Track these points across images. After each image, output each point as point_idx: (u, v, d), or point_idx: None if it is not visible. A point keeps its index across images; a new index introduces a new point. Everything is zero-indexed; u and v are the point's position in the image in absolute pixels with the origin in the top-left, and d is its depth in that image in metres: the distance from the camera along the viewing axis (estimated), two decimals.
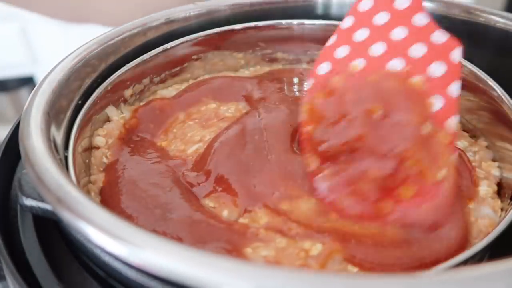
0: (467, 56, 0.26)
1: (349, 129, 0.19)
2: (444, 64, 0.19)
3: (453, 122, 0.19)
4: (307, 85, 0.21)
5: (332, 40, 0.22)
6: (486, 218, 0.19)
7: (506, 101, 0.23)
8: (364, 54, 0.20)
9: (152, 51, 0.27)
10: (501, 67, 0.26)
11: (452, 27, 0.29)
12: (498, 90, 0.24)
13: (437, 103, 0.19)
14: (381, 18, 0.20)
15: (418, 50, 0.19)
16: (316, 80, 0.21)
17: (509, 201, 0.21)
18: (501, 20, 0.27)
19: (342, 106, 0.19)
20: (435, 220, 0.18)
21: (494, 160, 0.23)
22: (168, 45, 0.27)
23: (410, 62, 0.19)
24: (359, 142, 0.18)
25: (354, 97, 0.19)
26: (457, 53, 0.19)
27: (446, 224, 0.18)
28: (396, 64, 0.20)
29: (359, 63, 0.20)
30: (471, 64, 0.25)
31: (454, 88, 0.19)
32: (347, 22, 0.21)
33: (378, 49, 0.20)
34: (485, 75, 0.25)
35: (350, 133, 0.18)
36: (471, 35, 0.28)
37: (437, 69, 0.19)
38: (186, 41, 0.28)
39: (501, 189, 0.22)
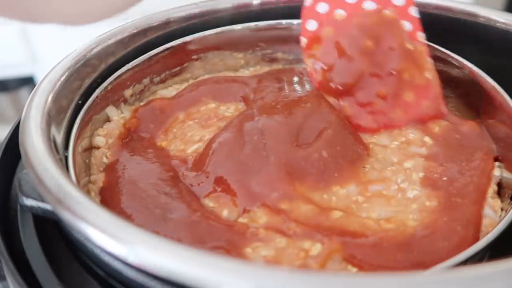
0: (467, 56, 0.26)
1: (352, 66, 0.23)
2: None
3: (421, 35, 0.25)
4: (302, 43, 0.25)
5: (308, 1, 0.26)
6: (486, 218, 0.19)
7: (508, 100, 0.23)
8: (342, 4, 0.25)
9: (152, 51, 0.27)
10: (501, 67, 0.26)
11: (452, 27, 0.29)
12: (499, 89, 0.24)
13: (406, 25, 0.25)
14: None
15: None
16: (309, 37, 0.25)
17: (509, 201, 0.21)
18: (501, 20, 0.27)
19: (339, 49, 0.24)
20: (435, 110, 0.24)
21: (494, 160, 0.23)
22: (168, 45, 0.27)
23: (378, 0, 0.25)
24: (363, 74, 0.23)
25: (347, 39, 0.24)
26: None
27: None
28: (369, 5, 0.25)
29: (340, 12, 0.25)
30: (471, 64, 0.25)
31: (414, 11, 0.25)
32: None
33: None
34: (485, 74, 0.25)
35: (354, 70, 0.23)
36: (471, 35, 0.28)
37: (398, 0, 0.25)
38: (186, 41, 0.28)
39: (501, 189, 0.22)
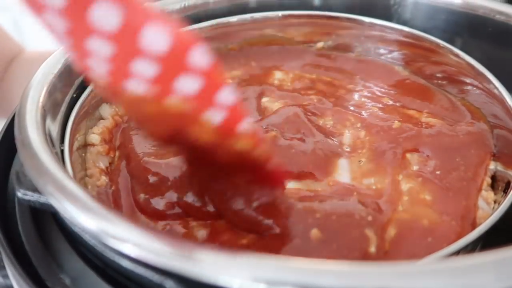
0: (466, 48, 0.26)
1: None
2: (195, 76, 0.14)
3: (244, 125, 0.15)
4: None
5: None
6: (480, 210, 0.20)
7: (504, 94, 0.23)
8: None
9: None
10: (500, 60, 0.26)
11: (451, 19, 0.29)
12: (496, 83, 0.24)
13: (215, 116, 0.15)
14: None
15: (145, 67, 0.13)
16: None
17: (502, 193, 0.21)
18: (500, 12, 0.27)
19: None
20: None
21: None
22: None
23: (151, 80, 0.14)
24: None
25: None
26: (200, 52, 0.13)
27: None
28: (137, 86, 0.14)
29: None
30: (470, 57, 0.25)
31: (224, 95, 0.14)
32: None
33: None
34: (483, 68, 0.25)
35: None
36: (470, 27, 0.28)
37: (187, 84, 0.14)
38: None
39: (494, 182, 0.22)
